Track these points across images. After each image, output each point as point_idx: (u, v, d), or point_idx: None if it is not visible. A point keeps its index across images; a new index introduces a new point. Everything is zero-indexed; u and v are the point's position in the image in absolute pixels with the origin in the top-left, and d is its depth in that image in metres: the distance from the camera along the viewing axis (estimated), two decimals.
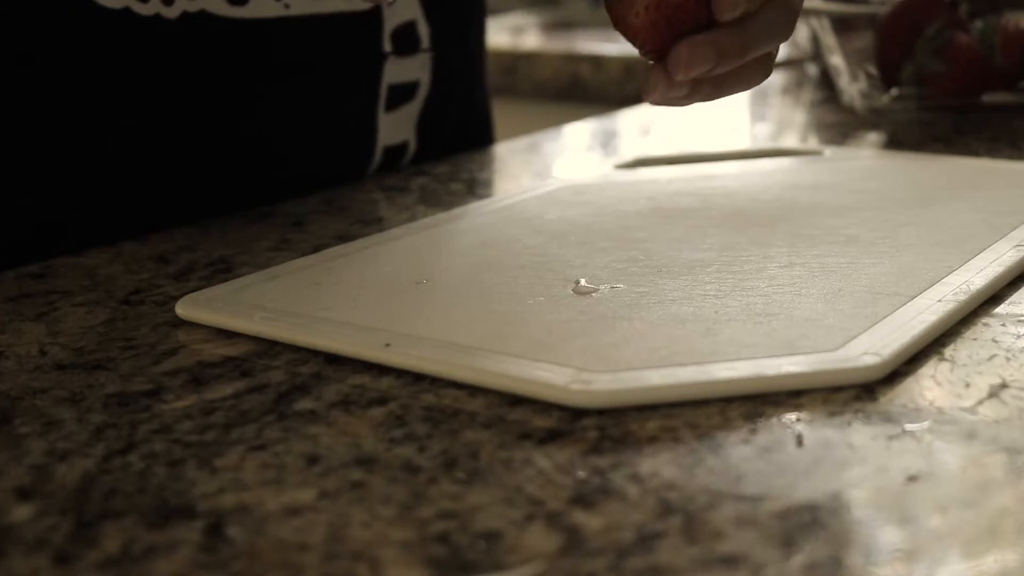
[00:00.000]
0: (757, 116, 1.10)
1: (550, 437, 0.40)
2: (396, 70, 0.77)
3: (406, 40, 0.77)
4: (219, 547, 0.34)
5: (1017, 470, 0.37)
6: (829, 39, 1.04)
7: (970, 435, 0.39)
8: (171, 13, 0.65)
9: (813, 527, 0.34)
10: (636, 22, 0.53)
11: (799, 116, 1.07)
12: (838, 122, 0.98)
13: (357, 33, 0.74)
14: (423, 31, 0.78)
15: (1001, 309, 0.51)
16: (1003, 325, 0.49)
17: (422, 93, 0.79)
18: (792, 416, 0.41)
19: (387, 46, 0.76)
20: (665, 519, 0.35)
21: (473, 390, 0.44)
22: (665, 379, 0.43)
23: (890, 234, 0.60)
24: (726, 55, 0.52)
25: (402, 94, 0.78)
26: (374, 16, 0.74)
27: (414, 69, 0.78)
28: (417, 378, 0.45)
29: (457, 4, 0.82)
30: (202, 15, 0.66)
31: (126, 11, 0.64)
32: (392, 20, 0.75)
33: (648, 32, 0.53)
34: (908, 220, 0.63)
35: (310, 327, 0.49)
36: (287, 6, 0.69)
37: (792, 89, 1.20)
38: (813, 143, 0.90)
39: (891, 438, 0.39)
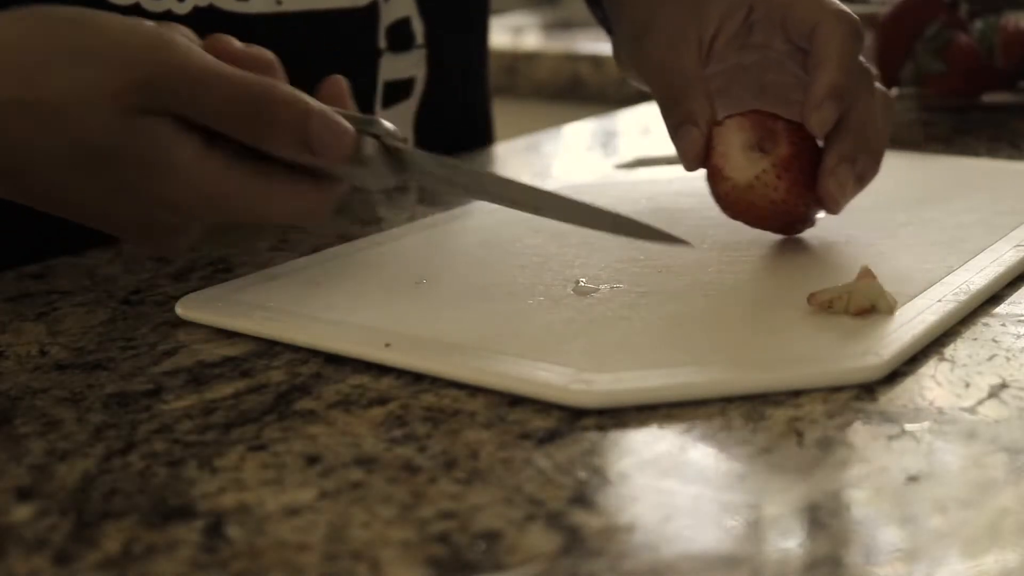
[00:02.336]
0: None
1: (550, 437, 0.40)
2: (391, 67, 0.77)
3: (400, 36, 0.77)
4: (219, 547, 0.34)
5: (1017, 470, 0.37)
6: None
7: (970, 435, 0.39)
8: (182, 9, 0.66)
9: (813, 527, 0.34)
10: (780, 195, 0.54)
11: None
12: None
13: (353, 30, 0.74)
14: (417, 27, 0.78)
15: (1001, 309, 0.51)
16: (1003, 325, 0.49)
17: (418, 90, 0.79)
18: (792, 416, 0.41)
19: (382, 43, 0.76)
20: (665, 519, 0.35)
21: (473, 390, 0.44)
22: (665, 379, 0.43)
23: (890, 234, 0.60)
24: (859, 158, 0.56)
25: (398, 91, 0.78)
26: (370, 12, 0.74)
27: (409, 66, 0.78)
28: (417, 378, 0.45)
29: (453, 2, 0.82)
30: (211, 10, 0.67)
31: (136, 7, 0.64)
32: (387, 17, 0.75)
33: (795, 194, 0.55)
34: (908, 220, 0.63)
35: (310, 327, 0.49)
36: (279, 2, 0.69)
37: None
38: None
39: (891, 438, 0.39)
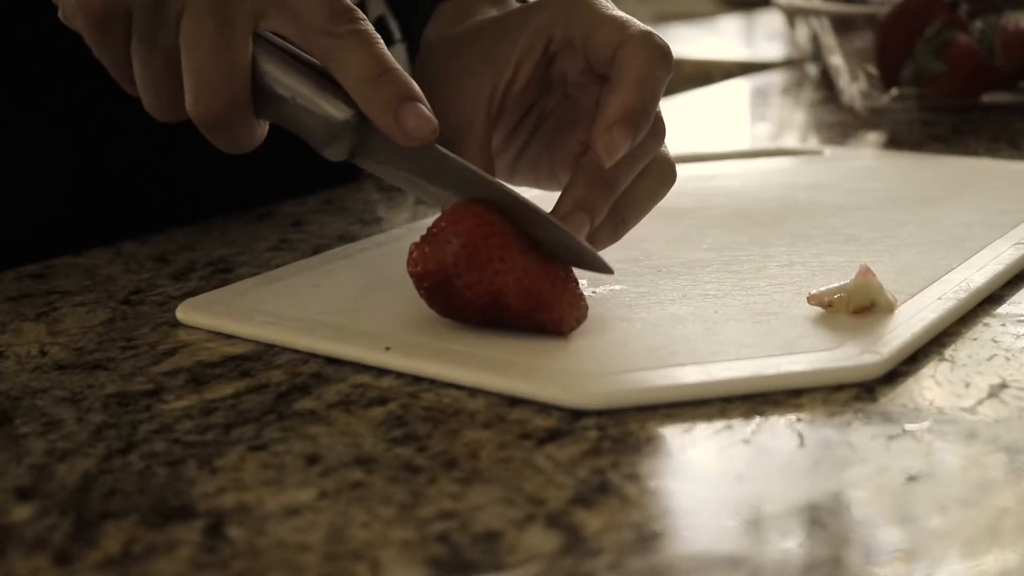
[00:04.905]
0: (757, 116, 1.10)
1: (550, 437, 0.40)
2: None
3: (383, 33, 0.77)
4: (219, 547, 0.34)
5: (1017, 470, 0.37)
6: (829, 39, 1.04)
7: (970, 435, 0.39)
8: None
9: (813, 527, 0.34)
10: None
11: (799, 116, 1.07)
12: (838, 122, 0.98)
13: None
14: (392, 24, 0.78)
15: (1001, 309, 0.51)
16: (1003, 325, 0.49)
17: None
18: (792, 416, 0.41)
19: None
20: (665, 519, 0.35)
21: (473, 390, 0.44)
22: (665, 379, 0.43)
23: (890, 233, 0.60)
24: (599, 212, 0.49)
25: None
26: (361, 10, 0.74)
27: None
28: (417, 378, 0.45)
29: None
30: None
31: None
32: (370, 15, 0.76)
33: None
34: (908, 219, 0.63)
35: (311, 331, 0.49)
36: None
37: (792, 89, 1.20)
38: (813, 143, 0.90)
39: (891, 438, 0.39)
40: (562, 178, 0.53)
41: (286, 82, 0.49)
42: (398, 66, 0.48)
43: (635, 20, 0.52)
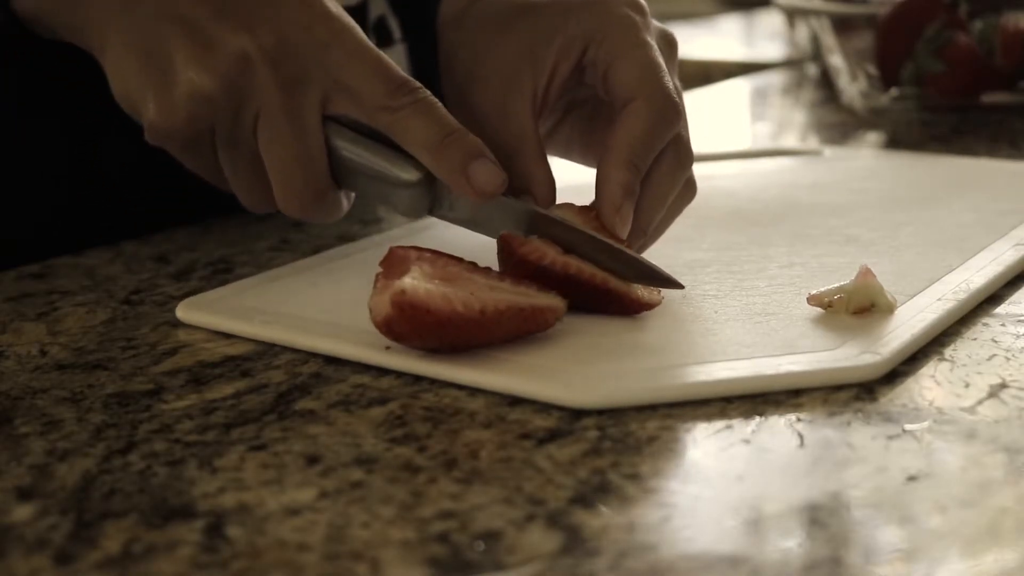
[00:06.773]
0: (757, 116, 1.10)
1: (550, 437, 0.40)
2: None
3: (383, 33, 0.77)
4: (219, 547, 0.34)
5: (1017, 470, 0.37)
6: (829, 39, 1.04)
7: (970, 435, 0.39)
8: None
9: (813, 527, 0.34)
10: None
11: (799, 116, 1.07)
12: (838, 122, 0.98)
13: None
14: (392, 24, 0.78)
15: (1001, 309, 0.51)
16: (1003, 325, 0.49)
17: None
18: (792, 416, 0.41)
19: (372, 40, 0.76)
20: (665, 519, 0.35)
21: (473, 390, 0.44)
22: (665, 379, 0.43)
23: (890, 233, 0.60)
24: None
25: None
26: (361, 10, 0.74)
27: (395, 62, 0.78)
28: (417, 378, 0.45)
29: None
30: None
31: None
32: (371, 15, 0.76)
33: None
34: (907, 219, 0.63)
35: (310, 330, 0.49)
36: None
37: (792, 89, 1.20)
38: (813, 143, 0.90)
39: (891, 438, 0.39)
40: (594, 155, 0.55)
41: (358, 155, 0.51)
42: (459, 126, 0.50)
43: (659, 58, 0.53)
